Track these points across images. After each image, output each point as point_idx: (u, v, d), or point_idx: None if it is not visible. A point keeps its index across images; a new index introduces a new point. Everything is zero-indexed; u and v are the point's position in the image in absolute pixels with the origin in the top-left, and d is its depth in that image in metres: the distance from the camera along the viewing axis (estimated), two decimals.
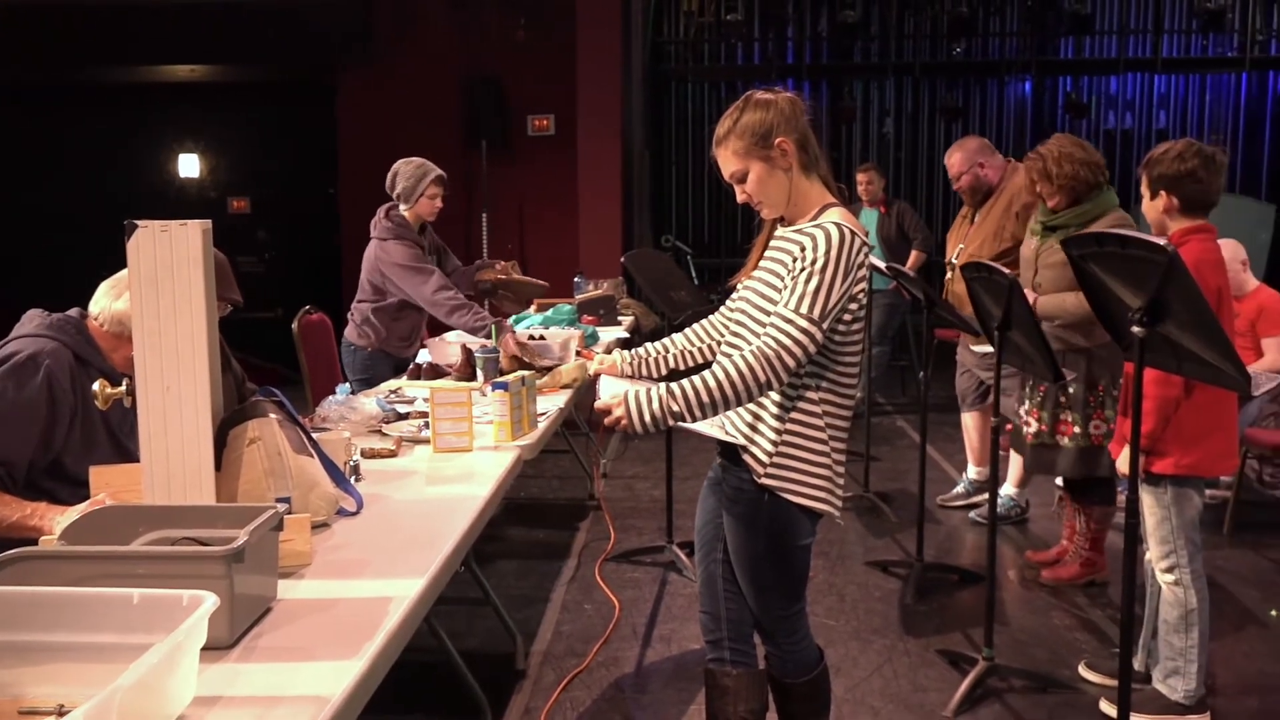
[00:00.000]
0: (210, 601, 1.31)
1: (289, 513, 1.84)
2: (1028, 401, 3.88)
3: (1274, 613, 3.73)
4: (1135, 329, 2.20)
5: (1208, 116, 11.21)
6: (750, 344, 2.07)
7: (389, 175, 4.24)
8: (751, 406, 2.14)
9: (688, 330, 2.44)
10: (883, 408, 7.49)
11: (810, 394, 2.12)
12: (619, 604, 3.79)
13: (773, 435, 2.12)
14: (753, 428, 2.15)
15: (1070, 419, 3.78)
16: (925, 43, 11.22)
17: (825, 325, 2.02)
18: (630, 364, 2.41)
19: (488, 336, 3.96)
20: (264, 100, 9.40)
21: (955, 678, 3.15)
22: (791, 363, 2.01)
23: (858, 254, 2.06)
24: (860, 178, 7.20)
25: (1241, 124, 11.14)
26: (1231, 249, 4.58)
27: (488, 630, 3.52)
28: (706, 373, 2.05)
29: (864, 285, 2.12)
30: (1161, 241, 2.13)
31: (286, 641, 1.54)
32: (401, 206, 4.23)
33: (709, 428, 2.19)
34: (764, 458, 2.13)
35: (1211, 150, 2.86)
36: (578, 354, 4.17)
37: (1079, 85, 11.19)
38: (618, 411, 2.07)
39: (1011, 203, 4.39)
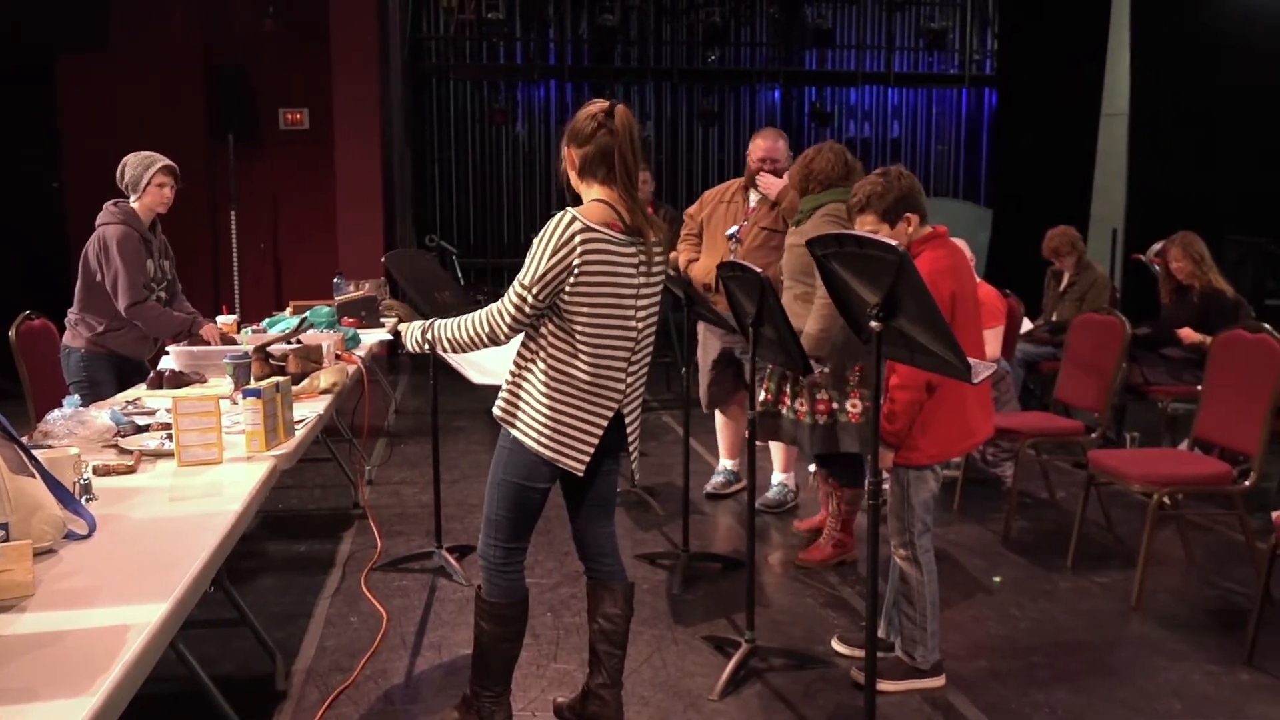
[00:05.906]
0: None
1: (6, 540, 1.68)
2: (789, 386, 4.01)
3: (997, 579, 4.12)
4: (873, 323, 2.36)
5: (934, 127, 12.21)
6: None
7: (118, 168, 4.18)
8: (515, 355, 2.57)
9: None
10: (648, 404, 7.68)
11: (541, 352, 2.50)
12: (387, 614, 3.68)
13: (510, 380, 2.56)
14: (509, 373, 2.57)
15: (828, 397, 3.96)
16: (682, 49, 11.60)
17: (536, 290, 2.43)
18: None
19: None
20: None
21: (721, 662, 3.28)
22: (508, 318, 2.47)
23: (571, 236, 2.41)
24: None
25: (963, 135, 12.22)
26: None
27: (244, 652, 3.33)
28: (458, 317, 2.55)
29: (594, 267, 2.43)
30: (894, 243, 2.30)
31: (5, 683, 1.39)
32: (131, 198, 4.17)
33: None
34: (502, 400, 2.57)
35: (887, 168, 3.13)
36: (338, 358, 4.02)
37: (823, 95, 11.91)
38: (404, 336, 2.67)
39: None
